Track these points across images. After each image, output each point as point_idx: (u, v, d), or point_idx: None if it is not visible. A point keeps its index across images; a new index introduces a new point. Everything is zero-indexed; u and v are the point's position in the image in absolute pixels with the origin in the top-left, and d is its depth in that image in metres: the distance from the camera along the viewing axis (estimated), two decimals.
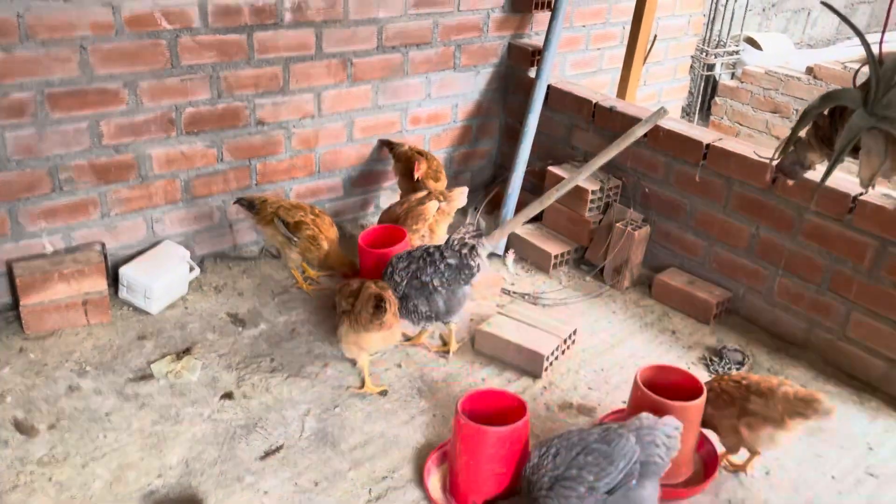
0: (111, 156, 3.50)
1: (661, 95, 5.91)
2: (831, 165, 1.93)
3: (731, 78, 6.25)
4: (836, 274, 3.40)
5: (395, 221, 3.78)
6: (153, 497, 2.61)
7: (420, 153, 4.20)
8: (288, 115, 3.95)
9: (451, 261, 3.14)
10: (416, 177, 4.04)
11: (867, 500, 2.78)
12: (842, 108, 1.94)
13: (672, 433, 2.41)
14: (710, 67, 6.21)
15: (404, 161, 4.20)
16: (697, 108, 6.25)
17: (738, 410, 2.73)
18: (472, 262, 3.17)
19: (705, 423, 2.79)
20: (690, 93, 6.25)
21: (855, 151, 1.88)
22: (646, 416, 2.44)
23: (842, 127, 1.88)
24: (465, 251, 3.14)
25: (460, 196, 3.90)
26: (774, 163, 2.28)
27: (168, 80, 3.51)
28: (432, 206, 3.79)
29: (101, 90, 3.36)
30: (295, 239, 3.65)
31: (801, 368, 3.47)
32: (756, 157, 3.43)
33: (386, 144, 4.34)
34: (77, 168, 3.43)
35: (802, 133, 2.09)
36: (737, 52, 6.21)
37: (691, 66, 6.12)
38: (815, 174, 2.44)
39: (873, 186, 1.95)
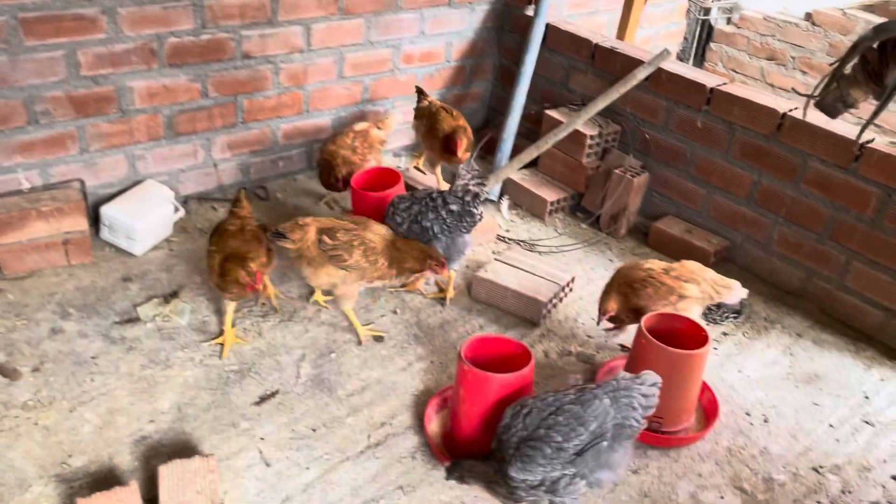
0: (90, 87, 3.31)
1: (656, 39, 5.77)
2: (883, 102, 1.84)
3: (728, 23, 6.10)
4: (837, 223, 3.36)
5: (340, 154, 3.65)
6: (146, 442, 2.53)
7: (449, 113, 3.82)
8: (276, 48, 3.76)
9: (454, 207, 3.03)
10: (458, 155, 3.67)
11: (864, 448, 2.80)
12: (895, 41, 1.84)
13: (649, 391, 2.31)
14: (707, 12, 6.05)
15: (428, 118, 3.89)
16: (693, 54, 6.11)
17: (677, 298, 2.85)
18: (474, 210, 3.07)
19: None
20: (685, 38, 6.10)
21: None
22: (623, 377, 2.34)
23: (894, 62, 1.78)
24: (467, 198, 3.04)
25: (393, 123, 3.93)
26: (815, 99, 2.18)
27: (149, 8, 3.30)
28: (377, 133, 3.80)
29: (77, 16, 3.14)
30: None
31: (797, 317, 3.46)
32: (765, 89, 3.35)
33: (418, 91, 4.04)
34: (53, 100, 3.24)
35: (848, 68, 2.00)
36: None
37: (687, 11, 5.96)
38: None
39: None
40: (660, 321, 2.75)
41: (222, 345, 2.94)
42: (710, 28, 6.12)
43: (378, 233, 2.94)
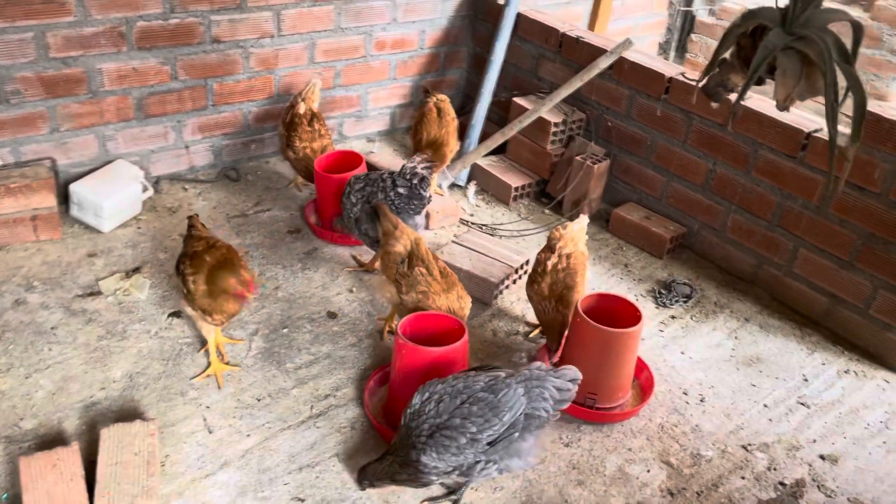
0: (59, 69, 3.41)
1: (637, 30, 5.81)
2: (745, 85, 1.92)
3: (710, 14, 6.14)
4: (786, 210, 3.43)
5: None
6: (95, 408, 2.64)
7: (439, 117, 3.82)
8: (246, 33, 3.85)
9: (402, 190, 3.12)
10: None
11: (796, 427, 2.87)
12: (763, 27, 1.91)
13: (565, 385, 2.31)
14: (689, 2, 6.09)
15: (417, 118, 3.94)
16: (674, 45, 6.16)
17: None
18: (423, 193, 3.15)
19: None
20: (668, 29, 6.15)
21: (773, 72, 1.86)
22: (536, 367, 2.34)
23: (760, 46, 1.86)
24: (415, 181, 3.12)
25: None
26: (700, 85, 2.26)
27: None
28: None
29: None
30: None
31: (747, 302, 3.53)
32: (684, 80, 3.42)
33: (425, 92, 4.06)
34: (23, 80, 3.34)
35: (727, 55, 2.07)
36: None
37: (670, 1, 6.00)
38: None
39: (788, 109, 1.94)
40: (597, 301, 2.83)
41: (213, 375, 2.81)
42: (693, 19, 6.17)
43: (450, 304, 2.79)
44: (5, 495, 2.30)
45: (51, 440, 2.50)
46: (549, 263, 2.89)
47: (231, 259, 2.74)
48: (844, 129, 2.19)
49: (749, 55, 1.97)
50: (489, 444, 2.23)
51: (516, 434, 2.24)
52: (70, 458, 2.27)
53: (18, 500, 2.24)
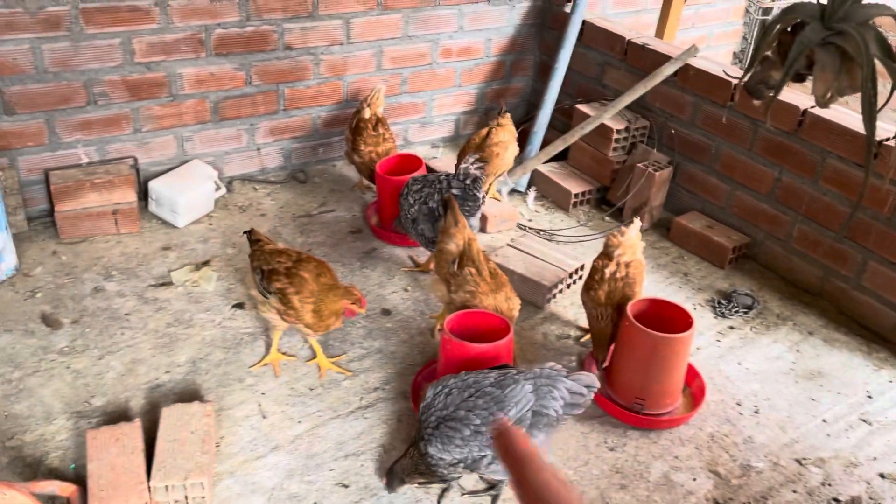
0: (143, 73, 3.64)
1: (711, 39, 5.72)
2: (781, 80, 1.88)
3: None
4: (855, 221, 3.30)
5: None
6: (159, 390, 2.80)
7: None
8: (316, 40, 4.01)
9: (455, 191, 3.18)
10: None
11: (855, 444, 2.76)
12: (803, 23, 1.87)
13: (580, 389, 2.30)
14: (767, 11, 5.95)
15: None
16: (749, 55, 6.02)
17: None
18: (476, 194, 3.20)
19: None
20: (744, 38, 6.01)
21: (811, 68, 1.82)
22: (550, 366, 2.34)
23: (797, 41, 1.82)
24: (468, 182, 3.17)
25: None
26: (741, 82, 2.22)
27: (197, 1, 3.60)
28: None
29: (132, 7, 3.47)
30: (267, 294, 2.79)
31: (812, 315, 3.42)
32: (726, 77, 3.35)
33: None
34: (110, 83, 3.58)
35: (769, 52, 2.04)
36: None
37: (746, 10, 5.88)
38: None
39: (828, 105, 1.88)
40: (648, 306, 2.81)
41: (271, 364, 2.92)
42: None
43: (497, 304, 2.79)
44: (72, 465, 2.46)
45: (116, 417, 2.66)
46: (607, 271, 2.85)
47: (332, 277, 2.80)
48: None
49: (789, 51, 1.94)
50: None
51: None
52: (132, 433, 2.42)
53: (84, 470, 2.40)
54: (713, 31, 5.71)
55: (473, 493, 2.48)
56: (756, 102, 2.21)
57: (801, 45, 1.77)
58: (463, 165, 3.18)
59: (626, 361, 2.77)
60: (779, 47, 1.99)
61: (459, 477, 2.35)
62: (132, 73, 3.62)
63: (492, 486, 2.49)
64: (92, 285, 3.30)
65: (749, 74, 2.15)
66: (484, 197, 3.20)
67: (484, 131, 3.85)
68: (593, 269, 2.93)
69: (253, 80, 3.95)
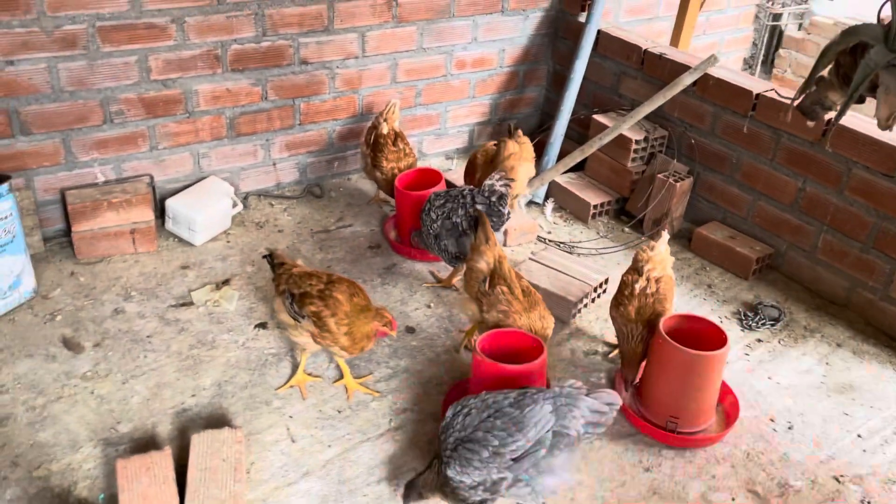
0: (159, 90, 3.61)
1: (721, 46, 5.70)
2: (846, 103, 1.85)
3: (798, 29, 5.95)
4: (881, 231, 3.28)
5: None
6: (186, 414, 2.76)
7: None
8: (332, 54, 3.98)
9: (480, 207, 3.14)
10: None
11: (892, 460, 2.73)
12: (864, 44, 1.84)
13: (601, 407, 2.26)
14: (777, 17, 5.93)
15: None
16: (760, 61, 5.99)
17: None
18: (501, 209, 3.16)
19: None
20: (754, 44, 5.99)
21: (874, 90, 1.79)
22: (570, 384, 2.30)
23: (860, 63, 1.79)
24: (494, 198, 3.14)
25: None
26: (795, 103, 2.19)
27: (214, 17, 3.57)
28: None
29: (149, 25, 3.44)
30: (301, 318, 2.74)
31: (839, 327, 3.39)
32: (777, 98, 3.31)
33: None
34: (126, 101, 3.55)
35: (825, 73, 2.00)
36: (805, 1, 5.91)
37: (756, 16, 5.86)
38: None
39: (891, 128, 1.86)
40: (680, 322, 2.78)
41: (297, 386, 2.89)
42: (780, 34, 5.99)
43: (531, 324, 2.76)
44: (101, 496, 2.42)
45: (144, 444, 2.62)
46: (637, 287, 2.81)
47: (364, 297, 2.77)
48: None
49: (848, 73, 1.91)
50: (514, 459, 2.18)
51: (542, 451, 2.18)
52: (163, 462, 2.37)
53: (114, 501, 2.36)
54: (724, 38, 5.69)
55: None
56: (810, 124, 2.18)
57: (866, 67, 1.74)
58: (488, 182, 3.15)
59: (660, 379, 2.73)
60: (837, 68, 1.96)
61: (482, 501, 2.30)
62: (148, 91, 3.58)
63: None
64: (112, 307, 3.26)
65: (803, 95, 2.12)
66: (509, 213, 3.17)
67: (490, 145, 3.81)
68: (623, 284, 2.89)
69: (269, 95, 3.91)
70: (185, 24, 3.52)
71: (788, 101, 2.23)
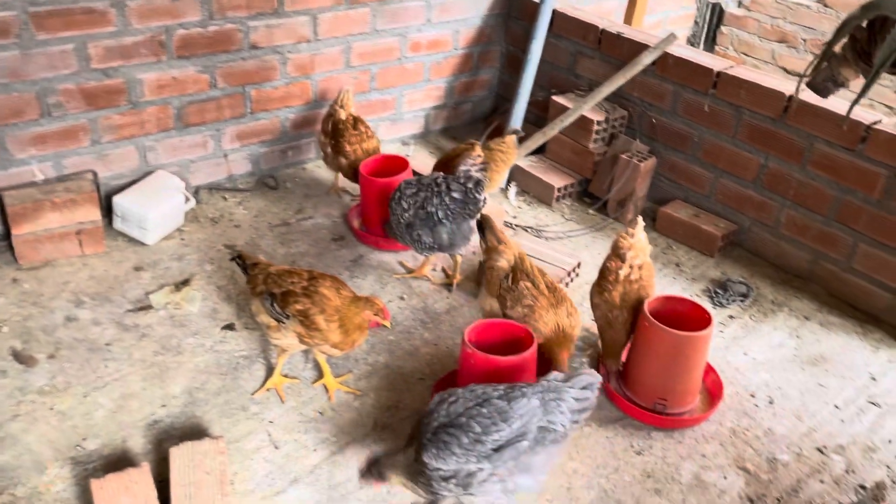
0: (100, 80, 3.36)
1: (665, 24, 5.74)
2: (870, 80, 1.84)
3: (738, 6, 6.06)
4: (844, 205, 3.35)
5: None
6: (158, 426, 2.59)
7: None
8: (283, 38, 3.79)
9: (456, 194, 3.05)
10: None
11: (869, 428, 2.80)
12: (883, 18, 1.83)
13: (582, 394, 2.21)
14: None
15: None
16: (703, 39, 6.08)
17: None
18: (477, 196, 3.08)
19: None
20: (696, 22, 6.07)
21: (895, 66, 1.78)
22: (555, 377, 2.24)
23: (882, 39, 1.78)
24: (469, 185, 3.05)
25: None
26: (807, 79, 2.17)
27: (157, 1, 3.34)
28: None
29: (87, 10, 3.19)
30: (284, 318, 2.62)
31: (805, 300, 3.46)
32: (774, 72, 3.33)
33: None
34: (65, 92, 3.30)
35: (838, 47, 1.99)
36: None
37: None
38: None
39: None
40: (662, 304, 2.77)
41: (274, 389, 2.76)
42: (721, 11, 6.09)
43: (558, 320, 2.68)
44: None
45: (116, 460, 2.45)
46: (622, 273, 2.78)
47: (350, 291, 2.65)
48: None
49: (865, 48, 1.90)
50: (494, 449, 2.11)
51: (525, 443, 2.12)
52: (142, 480, 2.22)
53: None
54: (669, 16, 5.74)
55: None
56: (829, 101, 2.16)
57: (892, 43, 1.73)
58: (463, 168, 3.05)
59: (647, 362, 2.72)
60: (853, 43, 1.94)
61: (446, 497, 2.21)
62: (89, 81, 3.34)
63: None
64: (63, 314, 3.03)
65: (816, 71, 2.10)
66: (486, 200, 3.09)
67: (461, 148, 3.67)
68: (606, 270, 2.86)
69: (218, 82, 3.71)
70: (125, 8, 3.29)
71: (800, 78, 2.19)
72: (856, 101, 1.92)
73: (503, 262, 2.78)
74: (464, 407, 2.17)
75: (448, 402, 2.20)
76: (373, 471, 2.24)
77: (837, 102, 3.17)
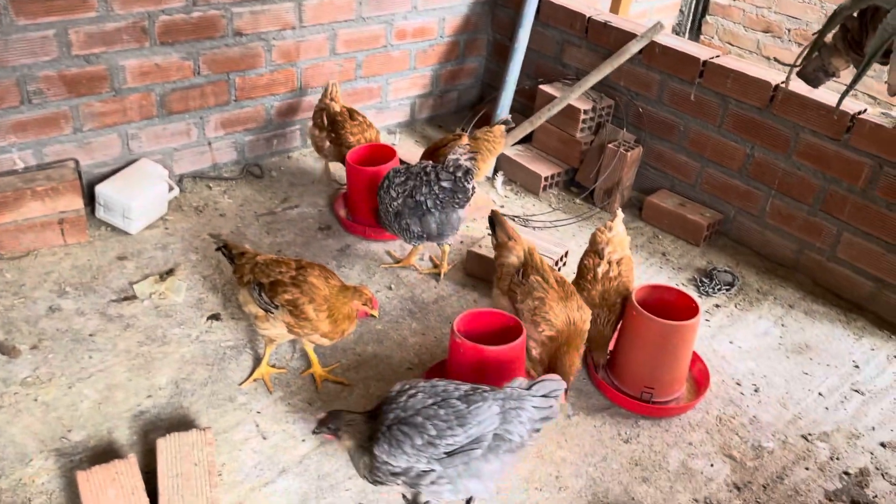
0: (82, 66, 3.31)
1: (650, 14, 5.75)
2: (861, 70, 1.84)
3: None
4: (829, 194, 3.38)
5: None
6: (144, 417, 2.57)
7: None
8: (267, 25, 3.75)
9: (446, 184, 3.03)
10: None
11: (853, 415, 2.83)
12: (875, 8, 1.84)
13: (543, 402, 2.14)
14: None
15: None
16: (688, 28, 6.09)
17: None
18: (466, 185, 3.07)
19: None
20: (681, 11, 6.08)
21: (886, 56, 1.79)
22: (519, 384, 2.18)
23: (873, 29, 1.78)
24: (459, 174, 3.03)
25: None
26: (797, 69, 2.18)
27: None
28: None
29: None
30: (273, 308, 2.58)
31: (789, 289, 3.49)
32: (779, 67, 3.32)
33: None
34: (46, 79, 3.24)
35: (829, 37, 2.00)
36: None
37: None
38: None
39: None
40: (650, 293, 2.78)
41: (261, 379, 2.74)
42: (706, 1, 6.10)
43: (569, 314, 2.61)
44: None
45: (102, 452, 2.42)
46: (600, 271, 2.78)
47: (339, 280, 2.63)
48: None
49: (857, 38, 1.90)
50: (447, 453, 2.06)
51: (479, 451, 2.07)
52: (129, 471, 2.20)
53: None
54: (654, 5, 5.74)
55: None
56: (818, 90, 2.16)
57: (884, 33, 1.72)
58: (452, 157, 3.03)
59: (634, 351, 2.73)
60: (844, 33, 1.94)
61: (390, 485, 2.17)
62: (70, 68, 3.28)
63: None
64: (46, 304, 2.99)
65: (806, 61, 2.10)
66: (474, 189, 3.08)
67: (448, 138, 3.66)
68: (583, 269, 2.85)
69: (201, 69, 3.66)
70: None
71: (790, 67, 2.19)
72: (847, 91, 1.93)
73: (513, 258, 2.75)
74: (422, 404, 2.11)
75: (408, 394, 2.15)
76: (330, 424, 2.18)
77: (823, 92, 3.18)
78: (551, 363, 2.56)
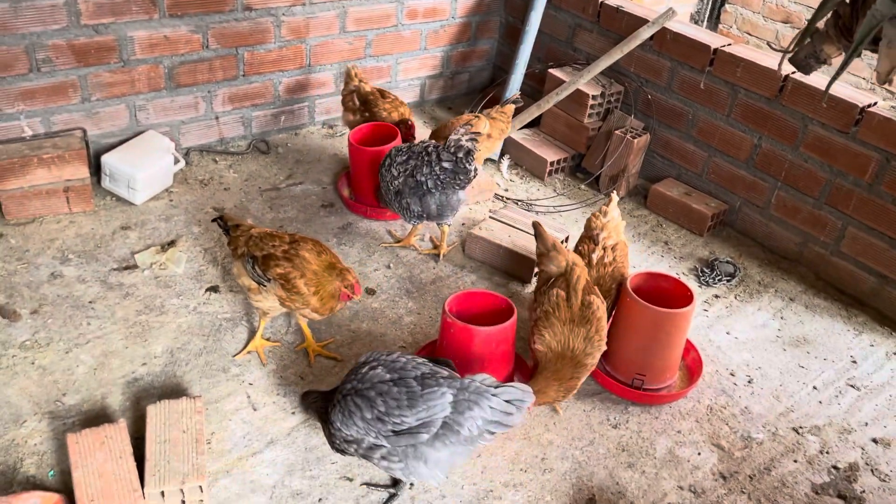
0: (90, 36, 3.33)
1: (667, 1, 5.66)
2: (848, 56, 1.81)
3: None
4: (835, 187, 3.34)
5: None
6: (137, 384, 2.61)
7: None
8: (277, 0, 3.75)
9: (447, 164, 3.03)
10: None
11: (846, 410, 2.81)
12: None
13: (507, 408, 2.08)
14: None
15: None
16: (706, 16, 6.00)
17: None
18: (468, 167, 3.05)
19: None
20: None
21: (875, 43, 1.76)
22: (481, 379, 2.12)
23: (864, 16, 1.75)
24: (460, 154, 3.02)
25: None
26: (789, 55, 2.15)
27: None
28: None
29: None
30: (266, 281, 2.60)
31: (791, 282, 3.46)
32: (772, 51, 3.28)
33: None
34: (55, 48, 3.26)
35: (821, 24, 1.97)
36: None
37: None
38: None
39: (891, 82, 1.84)
40: (646, 280, 2.77)
41: (255, 352, 2.77)
42: None
43: (572, 341, 2.48)
44: (52, 472, 2.27)
45: (95, 416, 2.47)
46: (595, 257, 2.77)
47: (333, 256, 2.64)
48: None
49: (848, 24, 1.87)
50: (394, 432, 2.08)
51: (425, 437, 2.06)
52: (118, 436, 2.23)
53: (66, 477, 2.22)
54: None
55: (374, 485, 2.36)
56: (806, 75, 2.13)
57: (872, 19, 1.70)
58: (454, 137, 3.02)
59: (627, 337, 2.72)
60: (835, 20, 1.91)
61: (352, 455, 2.23)
62: (79, 37, 3.30)
63: (395, 484, 2.36)
64: (48, 270, 3.04)
65: (799, 47, 2.07)
66: (476, 170, 3.07)
67: (464, 119, 3.64)
68: (579, 255, 2.83)
69: (210, 43, 3.67)
70: None
71: (782, 53, 2.16)
72: (834, 78, 1.90)
73: (552, 268, 2.64)
74: (379, 378, 2.13)
75: (369, 366, 2.18)
76: (304, 402, 2.35)
77: (836, 85, 3.14)
78: (533, 373, 2.54)
